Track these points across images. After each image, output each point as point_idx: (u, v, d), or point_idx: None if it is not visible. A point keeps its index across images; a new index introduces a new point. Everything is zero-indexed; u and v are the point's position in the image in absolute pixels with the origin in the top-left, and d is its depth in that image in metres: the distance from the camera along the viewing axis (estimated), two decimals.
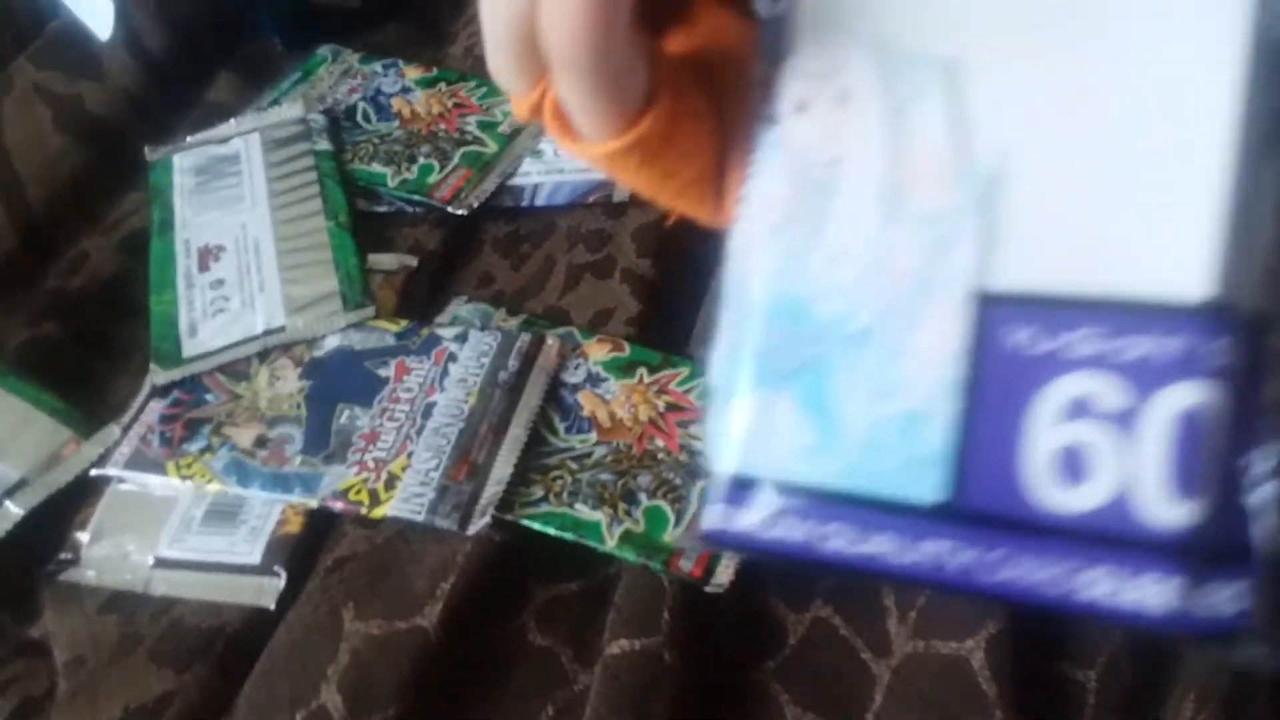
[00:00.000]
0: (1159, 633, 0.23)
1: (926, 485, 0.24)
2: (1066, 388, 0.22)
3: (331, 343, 0.51)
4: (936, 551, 0.24)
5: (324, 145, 0.59)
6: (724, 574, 0.41)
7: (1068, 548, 0.23)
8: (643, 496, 0.44)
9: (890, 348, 0.25)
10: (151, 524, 0.46)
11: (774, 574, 0.42)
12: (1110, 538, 0.22)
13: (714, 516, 0.27)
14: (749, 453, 0.26)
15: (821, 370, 0.25)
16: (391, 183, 0.58)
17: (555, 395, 0.48)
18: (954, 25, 0.25)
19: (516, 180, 0.58)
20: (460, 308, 0.53)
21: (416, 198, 0.57)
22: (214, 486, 0.46)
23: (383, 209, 0.58)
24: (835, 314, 0.25)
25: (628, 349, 0.49)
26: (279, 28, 0.68)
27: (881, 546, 0.24)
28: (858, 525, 0.25)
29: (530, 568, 0.44)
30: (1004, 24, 0.25)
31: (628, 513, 0.43)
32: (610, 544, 0.42)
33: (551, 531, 0.43)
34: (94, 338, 0.54)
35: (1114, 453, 0.22)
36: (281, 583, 0.43)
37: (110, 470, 0.47)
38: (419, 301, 0.54)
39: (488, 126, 0.60)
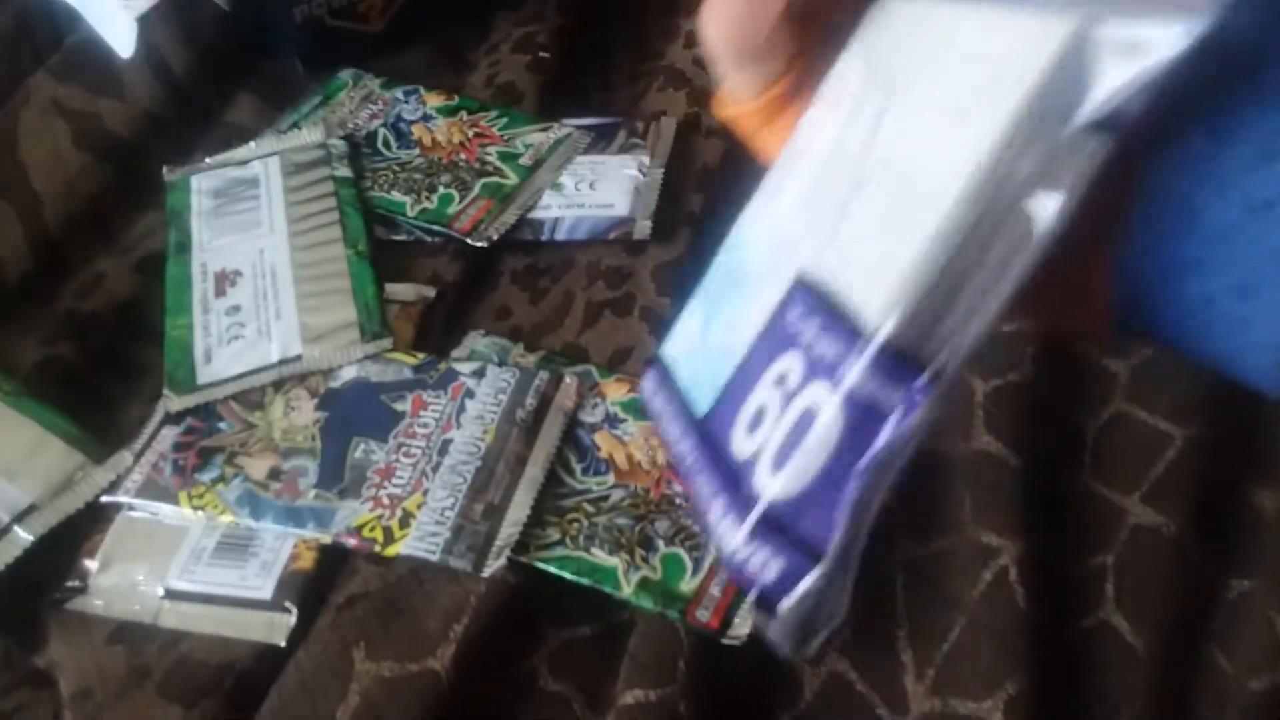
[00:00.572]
0: (733, 576, 0.27)
1: (704, 402, 0.31)
2: (785, 361, 0.27)
3: (348, 374, 0.50)
4: (688, 448, 0.31)
5: (344, 171, 0.59)
6: (742, 626, 0.41)
7: (723, 477, 0.28)
8: (660, 543, 0.43)
9: (746, 299, 0.31)
10: (162, 553, 0.45)
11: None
12: (738, 480, 0.27)
13: (648, 379, 0.36)
14: (673, 339, 0.35)
15: (720, 298, 0.33)
16: (411, 212, 0.57)
17: (572, 435, 0.47)
18: (888, 51, 0.30)
19: (537, 213, 0.57)
20: (477, 341, 0.53)
21: (436, 228, 0.57)
22: (226, 518, 0.46)
23: (401, 238, 0.58)
24: (743, 261, 0.33)
25: None
26: (298, 49, 0.67)
27: (673, 430, 0.32)
28: (674, 407, 0.33)
29: (542, 610, 0.43)
30: (898, 57, 0.29)
31: (645, 559, 0.43)
32: (627, 591, 0.42)
33: (568, 576, 0.43)
34: (108, 360, 0.53)
35: (773, 420, 0.27)
36: (293, 619, 0.43)
37: (121, 497, 0.47)
38: (436, 333, 0.54)
39: (509, 158, 0.60)
